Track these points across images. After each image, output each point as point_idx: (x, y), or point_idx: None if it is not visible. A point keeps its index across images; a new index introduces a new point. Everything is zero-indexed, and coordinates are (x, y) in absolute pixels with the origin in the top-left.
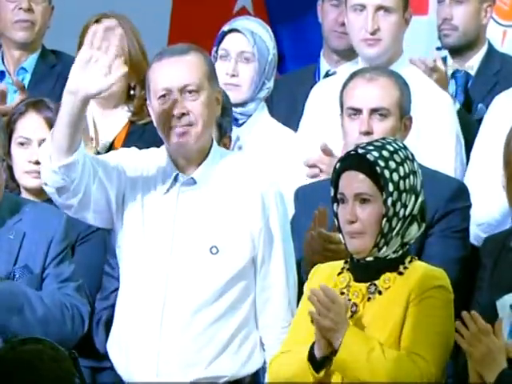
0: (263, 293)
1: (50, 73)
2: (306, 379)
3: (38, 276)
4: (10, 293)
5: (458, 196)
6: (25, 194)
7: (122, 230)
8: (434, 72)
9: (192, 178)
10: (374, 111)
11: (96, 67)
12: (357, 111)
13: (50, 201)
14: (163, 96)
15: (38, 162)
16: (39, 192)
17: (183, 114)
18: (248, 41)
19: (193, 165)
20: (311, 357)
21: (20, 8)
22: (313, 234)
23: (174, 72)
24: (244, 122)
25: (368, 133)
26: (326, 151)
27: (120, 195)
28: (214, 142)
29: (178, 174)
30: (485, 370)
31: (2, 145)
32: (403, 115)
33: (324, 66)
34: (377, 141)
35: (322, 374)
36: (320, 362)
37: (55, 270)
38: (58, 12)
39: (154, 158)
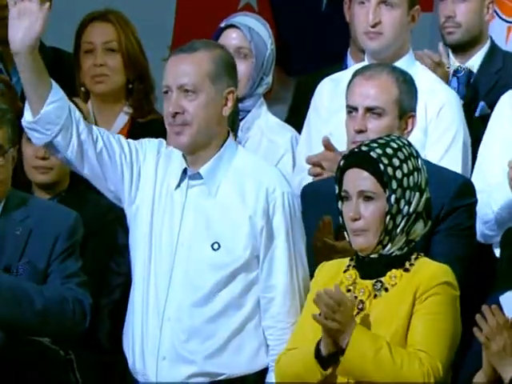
0: (265, 293)
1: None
2: (313, 376)
3: (41, 272)
4: (9, 286)
5: (463, 192)
6: (35, 189)
7: (133, 221)
8: (439, 67)
9: (198, 173)
10: (369, 110)
11: (25, 18)
12: (354, 109)
13: (59, 196)
14: (166, 93)
15: (44, 158)
16: (49, 187)
17: (177, 113)
18: (245, 37)
19: (202, 161)
20: (318, 354)
21: (1, 4)
22: (317, 245)
23: (175, 70)
24: (242, 118)
25: (361, 131)
26: (328, 146)
27: (135, 173)
28: (230, 139)
29: (186, 169)
30: (501, 366)
31: (7, 138)
32: (403, 113)
33: (352, 65)
34: (381, 138)
35: (329, 370)
36: (327, 359)
37: (59, 267)
38: (60, 11)
39: (175, 151)
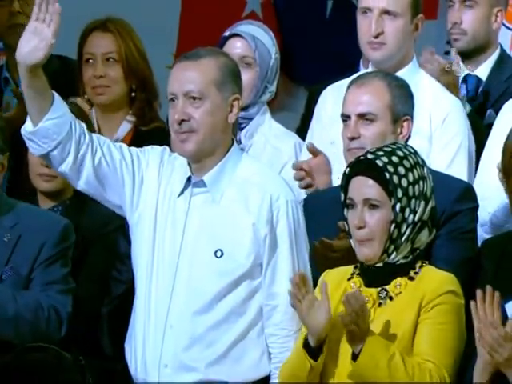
0: (268, 301)
1: (51, 79)
2: (303, 367)
3: (24, 278)
4: None
5: (464, 197)
6: (40, 197)
7: (135, 229)
8: (446, 73)
9: (202, 181)
10: (361, 116)
11: (36, 39)
12: (347, 117)
13: (64, 204)
14: (172, 100)
15: (49, 165)
16: (53, 195)
17: (183, 120)
18: (249, 46)
19: (207, 168)
20: (306, 343)
21: (11, 11)
22: (315, 244)
23: (180, 77)
24: (245, 126)
25: (354, 138)
26: (313, 152)
27: (137, 181)
28: (235, 147)
29: (190, 176)
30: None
31: None
32: (397, 118)
33: None
34: (387, 146)
35: (319, 360)
36: (314, 348)
37: (42, 273)
38: (67, 17)
39: (179, 159)
